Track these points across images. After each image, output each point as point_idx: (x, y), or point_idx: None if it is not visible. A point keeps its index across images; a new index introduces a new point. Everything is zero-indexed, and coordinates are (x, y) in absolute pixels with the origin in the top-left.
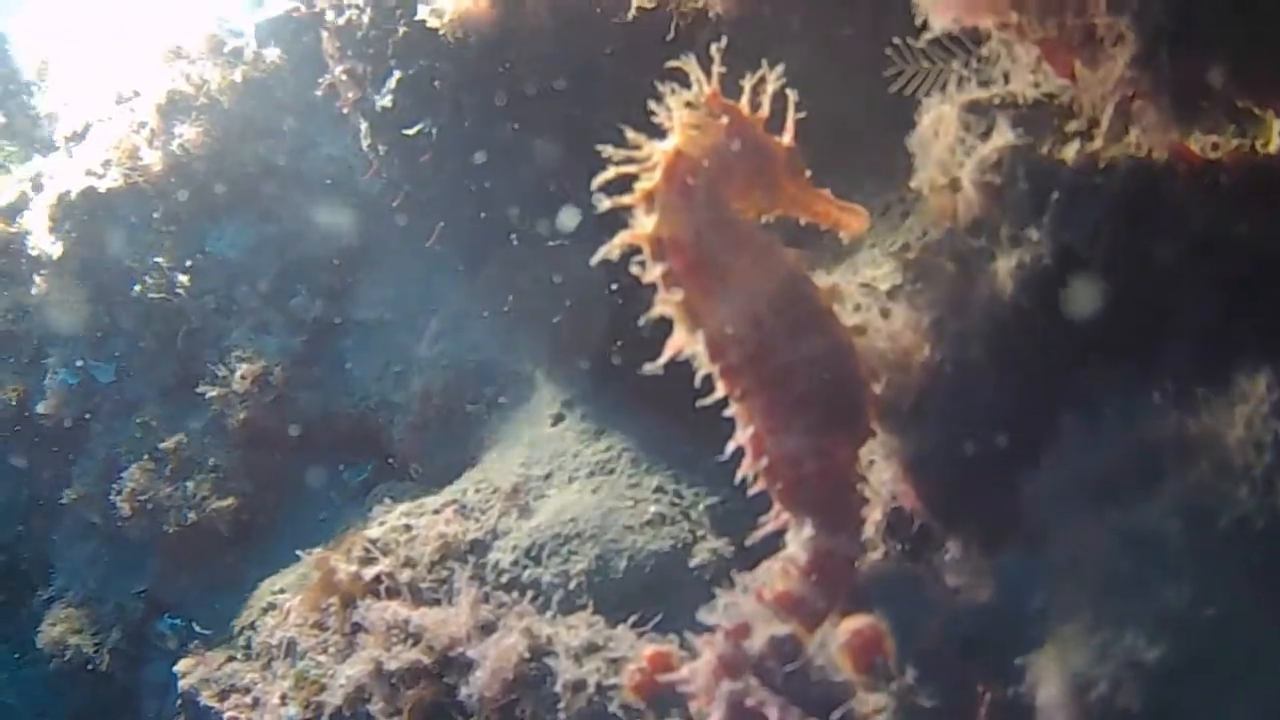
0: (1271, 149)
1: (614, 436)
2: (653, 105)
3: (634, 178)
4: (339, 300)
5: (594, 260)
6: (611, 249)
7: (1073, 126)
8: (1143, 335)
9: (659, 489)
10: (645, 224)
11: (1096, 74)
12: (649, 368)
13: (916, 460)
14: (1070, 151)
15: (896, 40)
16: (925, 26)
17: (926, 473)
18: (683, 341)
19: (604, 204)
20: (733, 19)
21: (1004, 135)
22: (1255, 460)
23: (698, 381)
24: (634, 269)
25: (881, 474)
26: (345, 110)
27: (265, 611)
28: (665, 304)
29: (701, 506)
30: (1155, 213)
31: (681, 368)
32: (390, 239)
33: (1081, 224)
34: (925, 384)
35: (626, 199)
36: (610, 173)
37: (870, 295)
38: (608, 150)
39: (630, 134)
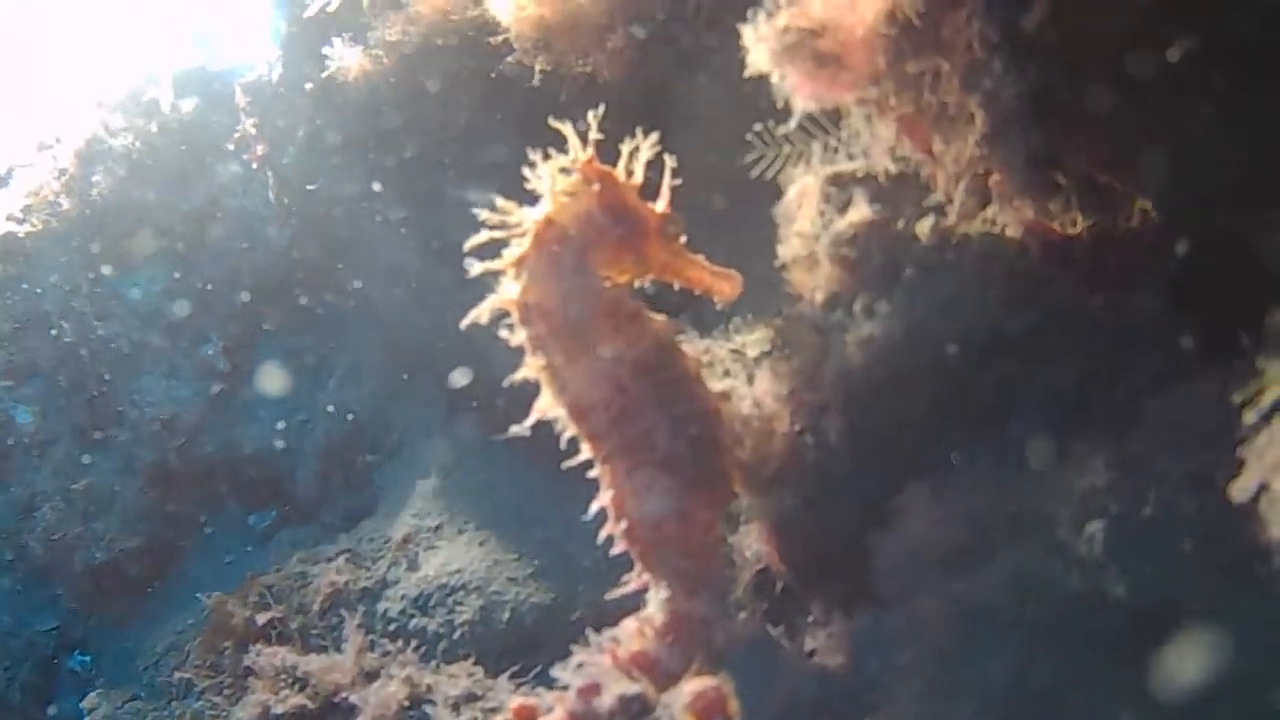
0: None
1: (504, 490)
2: (526, 172)
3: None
4: (248, 349)
5: (463, 324)
6: (480, 312)
7: (929, 201)
8: (992, 408)
9: (544, 542)
10: (513, 290)
11: (950, 150)
12: (515, 429)
13: (779, 524)
14: (925, 227)
15: (758, 126)
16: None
17: (788, 536)
18: (548, 404)
19: (475, 268)
20: (619, 84)
21: (860, 210)
22: (1082, 539)
23: (563, 443)
24: (502, 333)
25: (748, 536)
26: (254, 163)
27: (167, 652)
28: (531, 367)
29: (585, 561)
30: (1007, 287)
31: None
32: (297, 289)
33: (933, 298)
34: (785, 451)
35: (495, 264)
36: (482, 236)
37: (739, 361)
38: (482, 214)
39: (500, 201)
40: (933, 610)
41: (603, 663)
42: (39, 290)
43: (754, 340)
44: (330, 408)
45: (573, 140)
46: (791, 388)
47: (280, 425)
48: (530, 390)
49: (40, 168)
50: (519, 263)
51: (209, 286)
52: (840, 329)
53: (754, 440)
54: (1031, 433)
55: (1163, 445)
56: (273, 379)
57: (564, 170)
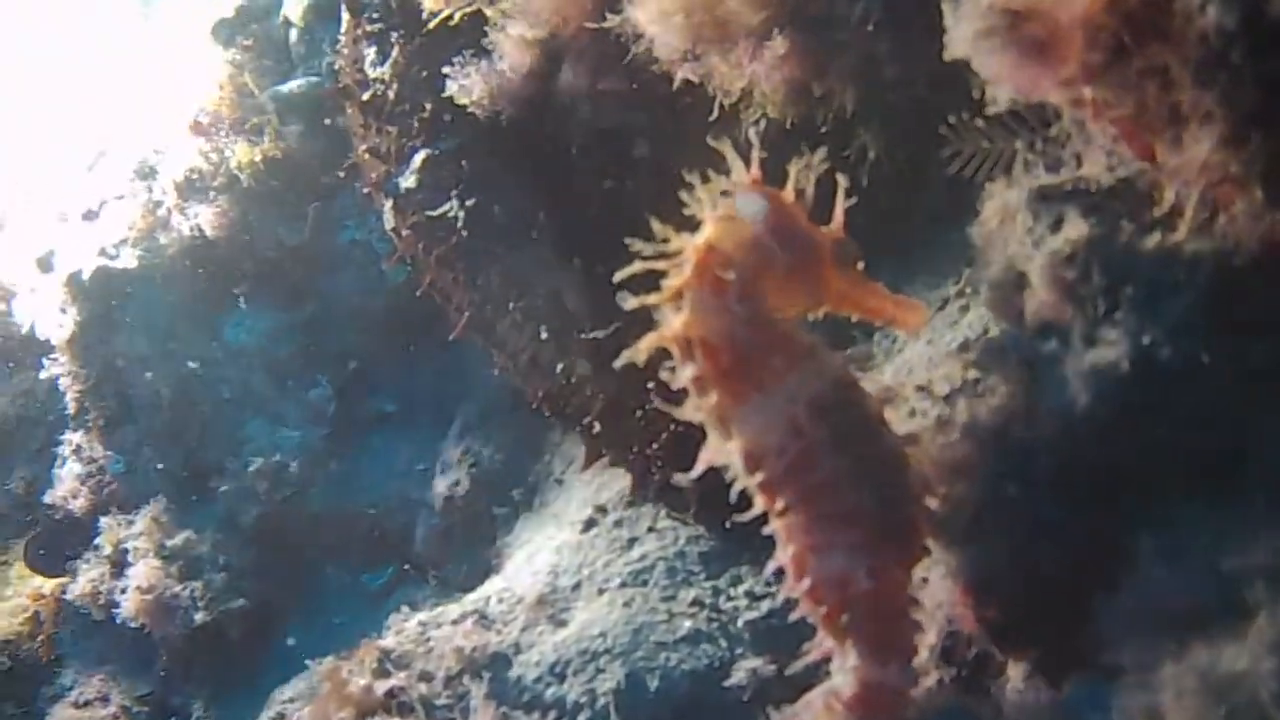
0: None
1: (648, 544)
2: (684, 196)
3: (662, 274)
4: (361, 392)
5: (618, 364)
6: (638, 352)
7: (1153, 215)
8: (1228, 449)
9: (696, 602)
10: (673, 324)
11: (1180, 157)
12: (679, 479)
13: (976, 580)
14: (1150, 243)
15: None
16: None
17: (987, 594)
18: (717, 452)
19: (630, 303)
20: (781, 98)
21: (1077, 226)
22: None
23: (733, 495)
24: (663, 374)
25: (937, 594)
26: (368, 190)
27: None
28: (697, 411)
29: (741, 622)
30: (1248, 311)
31: (721, 471)
32: (416, 327)
33: (1163, 324)
34: (987, 498)
35: (653, 298)
36: (635, 267)
37: (927, 399)
38: (635, 244)
39: (657, 226)
40: (1178, 682)
41: None
42: (134, 331)
43: (942, 376)
44: (453, 456)
45: (733, 159)
46: (1000, 424)
47: (398, 474)
48: (685, 436)
49: (136, 199)
50: (679, 294)
51: (318, 326)
52: (1055, 360)
53: (948, 487)
54: (1277, 477)
55: None
56: (388, 425)
57: (726, 193)
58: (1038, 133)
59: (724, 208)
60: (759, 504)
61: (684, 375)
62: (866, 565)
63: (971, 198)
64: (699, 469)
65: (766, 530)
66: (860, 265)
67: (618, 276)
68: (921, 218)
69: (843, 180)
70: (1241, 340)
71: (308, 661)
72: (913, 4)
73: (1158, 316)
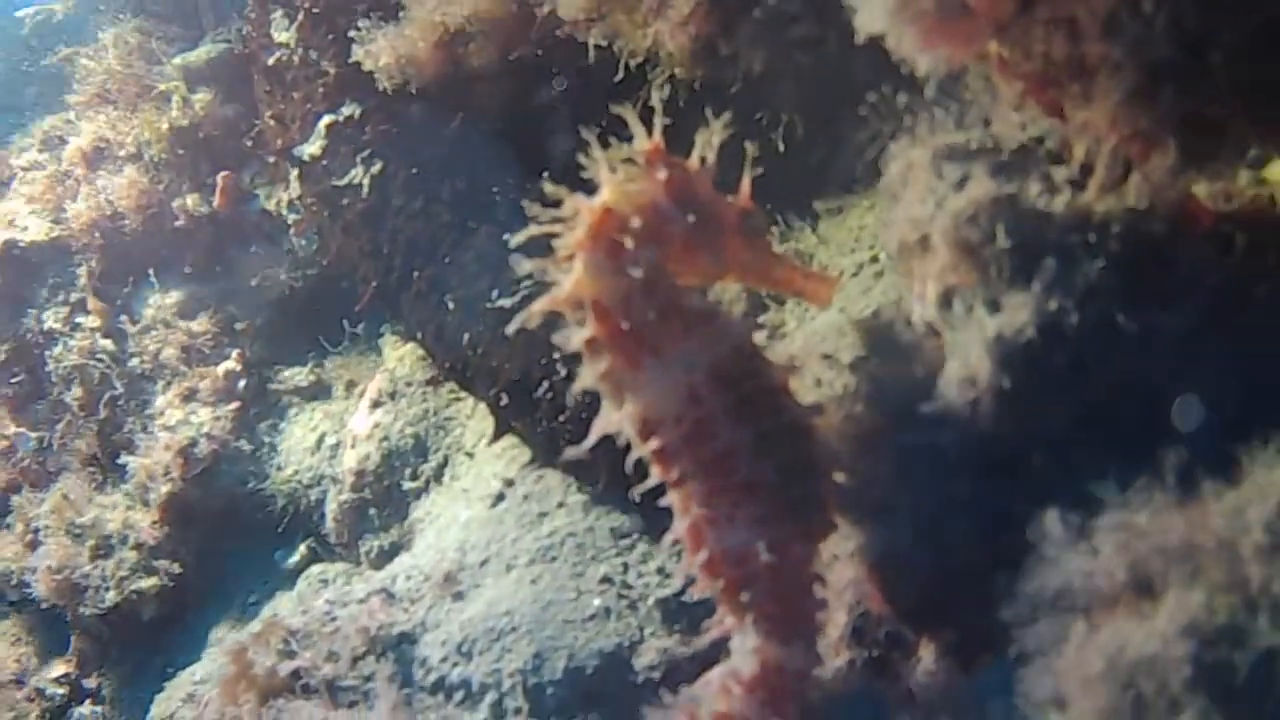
0: None
1: (557, 520)
2: (584, 160)
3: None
4: (270, 367)
5: (510, 328)
6: (531, 315)
7: (1062, 174)
8: (1142, 420)
9: (605, 579)
10: (565, 285)
11: (1089, 112)
12: (571, 452)
13: (884, 559)
14: (1060, 203)
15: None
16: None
17: (895, 573)
18: (612, 419)
19: (523, 267)
20: (687, 57)
21: (983, 184)
22: (1272, 576)
23: (630, 465)
24: (555, 338)
25: (844, 573)
26: (273, 159)
27: (185, 702)
28: (589, 377)
29: (652, 600)
30: (1160, 276)
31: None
32: (323, 298)
33: (1072, 289)
34: (894, 473)
35: (546, 261)
36: (531, 230)
37: (833, 369)
38: (530, 208)
39: (550, 188)
40: (1084, 666)
41: None
42: (42, 305)
43: (848, 344)
44: (362, 430)
45: (635, 125)
46: (900, 398)
47: (309, 450)
48: (590, 404)
49: (44, 171)
50: (572, 255)
51: (228, 298)
52: (960, 327)
53: (854, 461)
54: (1194, 449)
55: None
56: (300, 399)
57: (628, 160)
58: (949, 93)
59: (624, 172)
60: (655, 473)
61: (576, 339)
62: (767, 539)
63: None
64: (592, 437)
65: (666, 501)
66: (768, 236)
67: (514, 240)
68: (835, 182)
69: (750, 149)
70: (1155, 307)
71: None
72: None
73: (1067, 281)
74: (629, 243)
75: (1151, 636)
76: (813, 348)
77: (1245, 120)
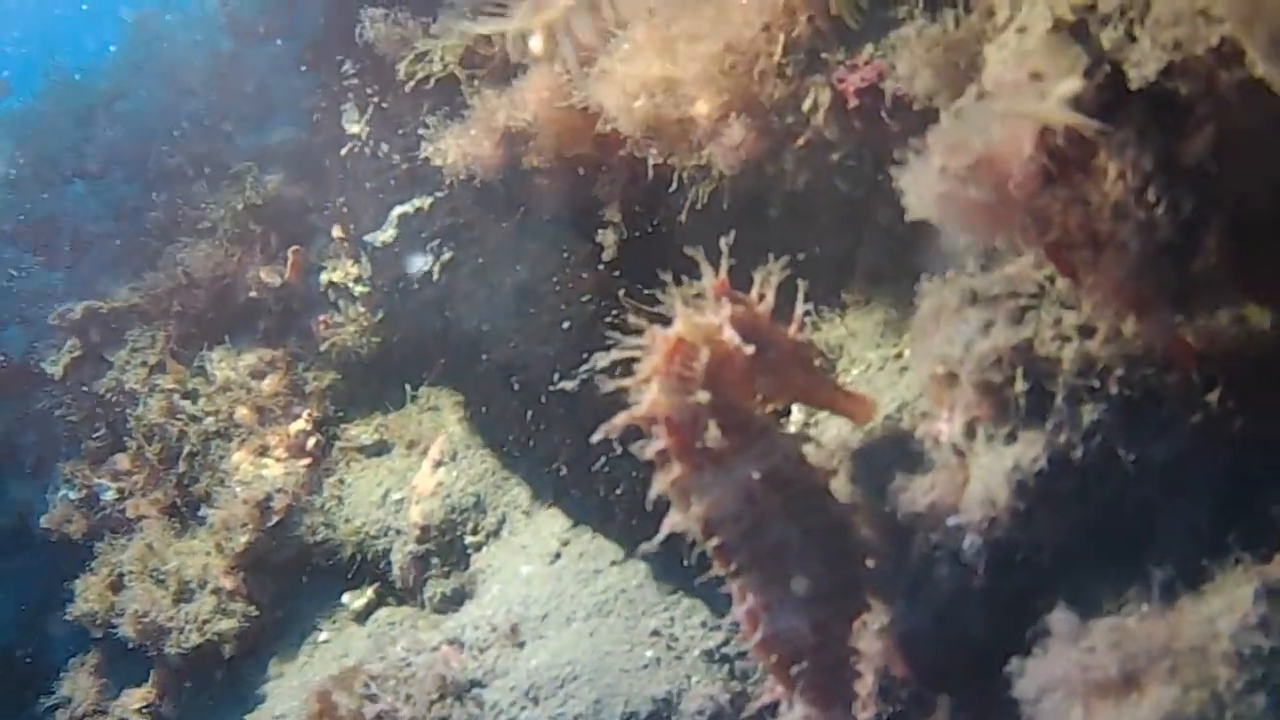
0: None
1: (610, 577)
2: (658, 294)
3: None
4: (337, 425)
5: (595, 438)
6: (612, 428)
7: (1071, 320)
8: (1134, 537)
9: (655, 632)
10: (643, 403)
11: (1097, 279)
12: (645, 548)
13: (908, 637)
14: (1070, 350)
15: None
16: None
17: (917, 649)
18: (679, 519)
19: (607, 386)
20: (736, 174)
21: (1003, 332)
22: (1235, 677)
23: (693, 558)
24: (634, 449)
25: (873, 642)
26: (345, 239)
27: None
28: (661, 483)
29: (696, 651)
30: (1151, 412)
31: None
32: (384, 365)
33: (1079, 426)
34: (920, 567)
35: (627, 381)
36: (615, 354)
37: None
38: (613, 335)
39: (633, 319)
40: None
41: None
42: (122, 366)
43: (884, 451)
44: (427, 488)
45: (704, 266)
46: (928, 508)
47: (375, 504)
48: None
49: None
50: (650, 378)
51: (297, 364)
52: (981, 453)
53: (884, 552)
54: (1175, 562)
55: None
56: (366, 457)
57: (697, 295)
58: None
59: (694, 307)
60: (716, 566)
61: (651, 449)
62: (813, 622)
63: (905, 261)
64: (661, 535)
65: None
66: (817, 363)
67: (598, 363)
68: (862, 278)
69: (801, 286)
70: (1146, 439)
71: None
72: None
73: (1074, 420)
74: (698, 369)
75: None
76: (847, 451)
77: (1231, 283)
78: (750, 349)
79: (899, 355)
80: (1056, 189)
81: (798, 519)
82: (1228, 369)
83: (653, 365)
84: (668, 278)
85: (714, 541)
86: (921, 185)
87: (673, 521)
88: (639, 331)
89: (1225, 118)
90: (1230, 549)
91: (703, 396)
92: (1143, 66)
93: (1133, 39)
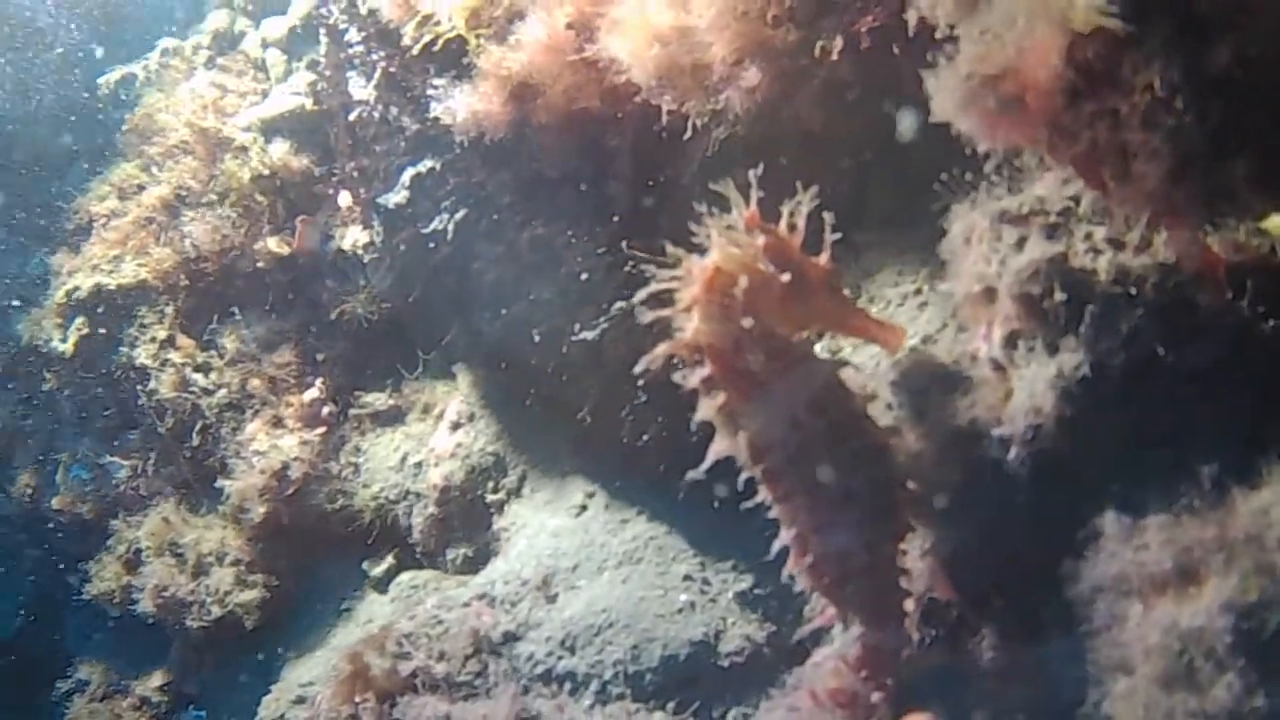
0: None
1: (639, 525)
2: (692, 226)
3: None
4: (351, 393)
5: (638, 369)
6: (654, 358)
7: (1101, 233)
8: (1178, 439)
9: (687, 577)
10: (686, 332)
11: (1128, 190)
12: (692, 474)
13: (952, 556)
14: (1104, 262)
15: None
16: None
17: (963, 568)
18: (725, 445)
19: (647, 316)
20: (751, 118)
21: (1039, 246)
22: None
23: (740, 484)
24: (676, 377)
25: (916, 565)
26: (355, 206)
27: (295, 704)
28: (707, 409)
29: (730, 594)
30: (1188, 319)
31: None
32: (397, 330)
33: (1116, 334)
34: (962, 483)
35: (668, 311)
36: (654, 286)
37: (902, 395)
38: (650, 268)
39: (671, 250)
40: (1145, 637)
41: (805, 701)
42: (131, 343)
43: (920, 375)
44: (445, 449)
45: (735, 197)
46: (970, 424)
47: (394, 468)
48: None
49: (125, 217)
50: (691, 307)
51: (308, 333)
52: (1023, 365)
53: (928, 473)
54: (1221, 460)
55: None
56: (382, 423)
57: (729, 226)
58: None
59: (728, 236)
60: (763, 491)
61: (694, 378)
62: (863, 541)
63: (915, 204)
64: (709, 461)
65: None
66: (845, 292)
67: (638, 297)
68: (873, 222)
69: (829, 218)
70: (1183, 343)
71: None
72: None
73: (1113, 326)
74: (738, 296)
75: (1198, 614)
76: (883, 376)
77: (1255, 189)
78: (786, 276)
79: (918, 291)
80: (1083, 101)
81: (841, 442)
82: (1255, 277)
83: (692, 294)
84: (703, 210)
85: (761, 466)
86: (948, 90)
87: (719, 448)
88: (675, 261)
89: (1251, 25)
90: (1273, 444)
91: (746, 322)
92: None
93: None
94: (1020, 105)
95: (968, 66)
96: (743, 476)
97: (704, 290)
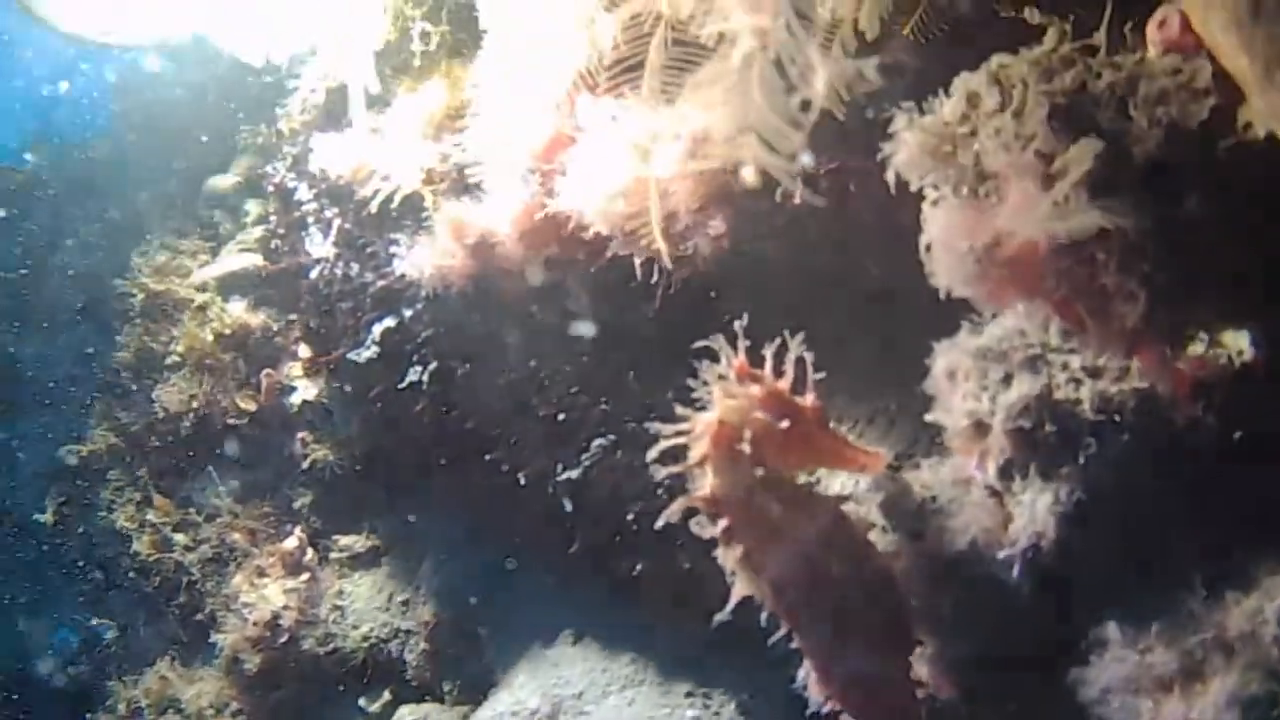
0: (1245, 358)
1: (634, 650)
2: (689, 381)
3: (682, 448)
4: (330, 538)
5: (658, 524)
6: (673, 512)
7: (1077, 363)
8: (1171, 549)
9: (689, 693)
10: (703, 486)
11: (1106, 328)
12: (719, 617)
13: (954, 665)
14: (1085, 392)
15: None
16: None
17: (964, 674)
18: (747, 589)
19: (661, 473)
20: (714, 261)
21: (1026, 383)
22: None
23: (763, 621)
24: (694, 527)
25: (921, 670)
26: (320, 360)
27: None
28: (728, 560)
29: (732, 705)
30: (1167, 440)
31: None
32: (368, 474)
33: (1106, 459)
34: (964, 597)
35: (680, 467)
36: (663, 444)
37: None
38: (657, 426)
39: (679, 409)
40: None
41: None
42: (108, 506)
43: (911, 503)
44: (430, 587)
45: (725, 350)
46: (970, 545)
47: (381, 608)
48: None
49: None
50: (703, 463)
51: (280, 484)
52: (1020, 492)
53: (929, 588)
54: (1212, 566)
55: None
56: (363, 565)
57: (721, 376)
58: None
59: (725, 389)
60: (783, 625)
61: (714, 529)
62: (880, 663)
63: (871, 325)
64: (732, 603)
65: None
66: (833, 425)
67: (650, 454)
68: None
69: (808, 358)
70: (1164, 463)
71: None
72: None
73: (1101, 454)
74: (745, 448)
75: (1206, 709)
76: (870, 500)
77: (1224, 318)
78: (785, 423)
79: (886, 409)
80: (1066, 255)
81: (852, 572)
82: (1218, 390)
83: (702, 450)
84: (718, 343)
85: (780, 604)
86: (950, 269)
87: (740, 591)
88: (683, 419)
89: (1216, 179)
90: (1261, 549)
91: (758, 473)
92: (1143, 143)
93: (1128, 118)
94: (1021, 266)
95: (964, 240)
96: (765, 614)
97: (713, 445)
